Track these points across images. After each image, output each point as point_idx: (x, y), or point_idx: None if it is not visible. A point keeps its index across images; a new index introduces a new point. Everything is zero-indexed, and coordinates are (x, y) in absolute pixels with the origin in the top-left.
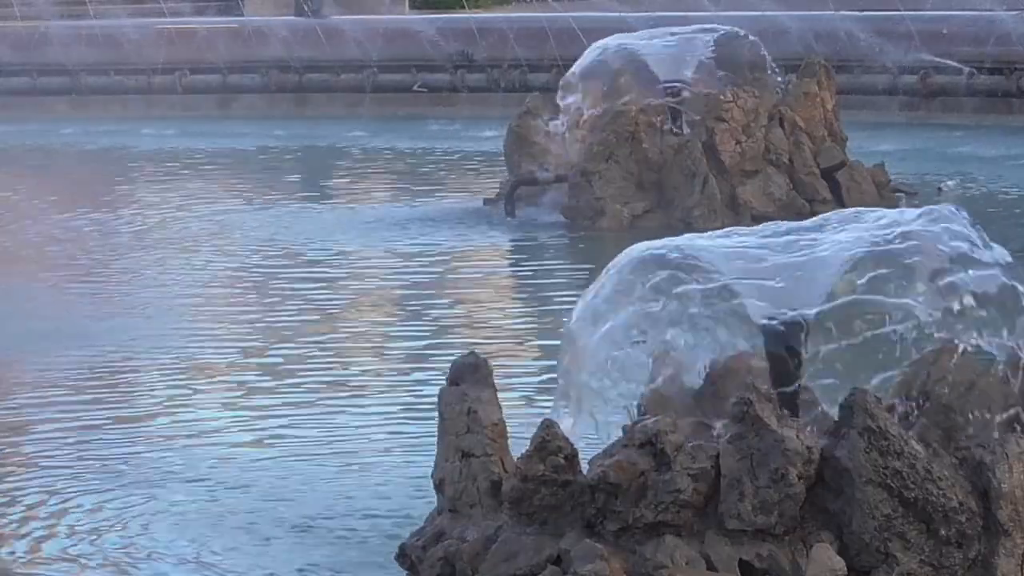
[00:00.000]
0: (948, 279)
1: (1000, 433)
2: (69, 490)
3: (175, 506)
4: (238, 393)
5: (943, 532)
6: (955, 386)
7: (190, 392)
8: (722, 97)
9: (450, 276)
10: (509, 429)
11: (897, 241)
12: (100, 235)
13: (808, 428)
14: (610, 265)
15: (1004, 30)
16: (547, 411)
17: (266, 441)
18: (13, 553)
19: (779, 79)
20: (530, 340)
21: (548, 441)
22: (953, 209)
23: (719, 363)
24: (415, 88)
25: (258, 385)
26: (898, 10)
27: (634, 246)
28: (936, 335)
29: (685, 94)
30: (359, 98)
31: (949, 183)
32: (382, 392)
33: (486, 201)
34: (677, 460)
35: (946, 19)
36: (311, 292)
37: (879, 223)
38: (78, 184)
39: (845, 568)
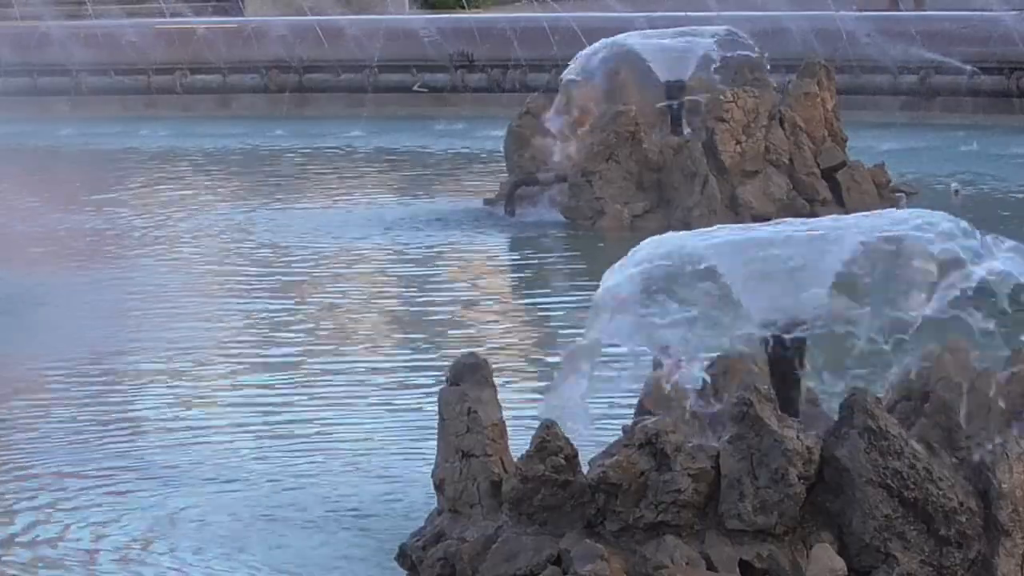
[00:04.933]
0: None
1: (1000, 433)
2: (70, 489)
3: (174, 506)
4: (237, 392)
5: (943, 532)
6: (955, 386)
7: (189, 391)
8: (722, 97)
9: (450, 276)
10: (509, 429)
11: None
12: (100, 235)
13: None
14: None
15: (1005, 30)
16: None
17: (265, 441)
18: (19, 553)
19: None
20: (530, 340)
21: (548, 441)
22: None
23: (719, 363)
24: (415, 88)
25: (257, 384)
26: (899, 10)
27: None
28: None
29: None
30: (359, 98)
31: (954, 184)
32: (382, 392)
33: (486, 201)
34: (677, 460)
35: (946, 19)
36: (311, 291)
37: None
38: (77, 184)
39: (845, 568)
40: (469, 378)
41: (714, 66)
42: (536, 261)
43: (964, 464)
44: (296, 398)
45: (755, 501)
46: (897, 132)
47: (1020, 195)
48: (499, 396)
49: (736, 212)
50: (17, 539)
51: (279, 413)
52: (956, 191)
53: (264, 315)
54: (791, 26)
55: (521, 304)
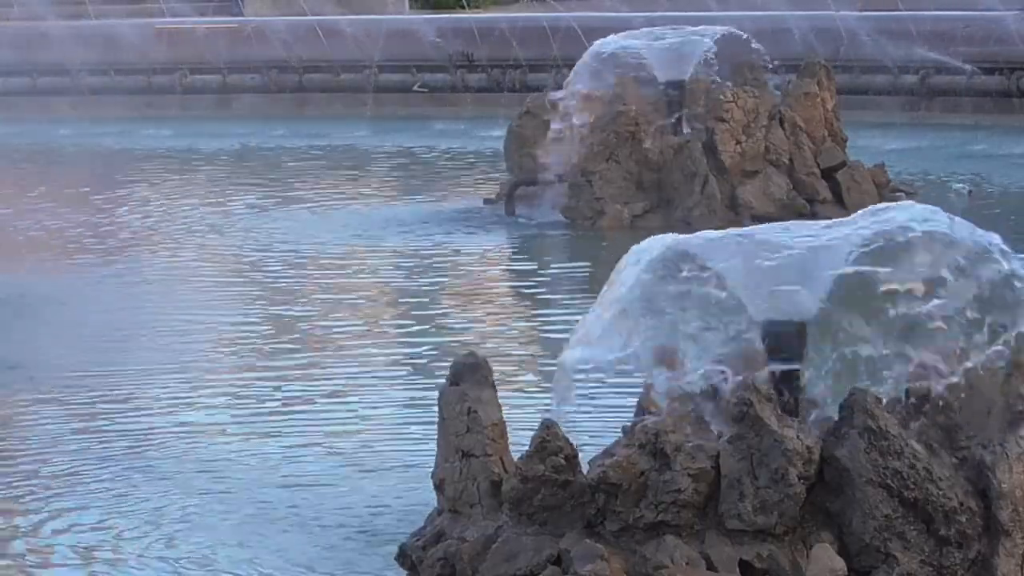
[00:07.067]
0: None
1: (1000, 433)
2: (74, 488)
3: (174, 506)
4: (238, 393)
5: (943, 532)
6: (955, 387)
7: (189, 392)
8: (722, 97)
9: (450, 276)
10: (508, 429)
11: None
12: (99, 235)
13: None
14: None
15: (1005, 30)
16: (547, 411)
17: (266, 441)
18: (24, 551)
19: (775, 79)
20: (530, 340)
21: (548, 441)
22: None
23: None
24: (415, 88)
25: (258, 385)
26: (899, 10)
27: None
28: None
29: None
30: (359, 98)
31: (959, 185)
32: (382, 392)
33: (486, 201)
34: (677, 460)
35: (947, 19)
36: (311, 292)
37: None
38: (77, 184)
39: (845, 568)
40: (469, 378)
41: (715, 68)
42: (536, 261)
43: (964, 464)
44: (295, 398)
45: (755, 501)
46: (897, 132)
47: (1021, 195)
48: (499, 396)
49: (736, 212)
50: (15, 536)
51: (278, 413)
52: (969, 191)
53: (263, 314)
54: (791, 26)
55: (521, 304)
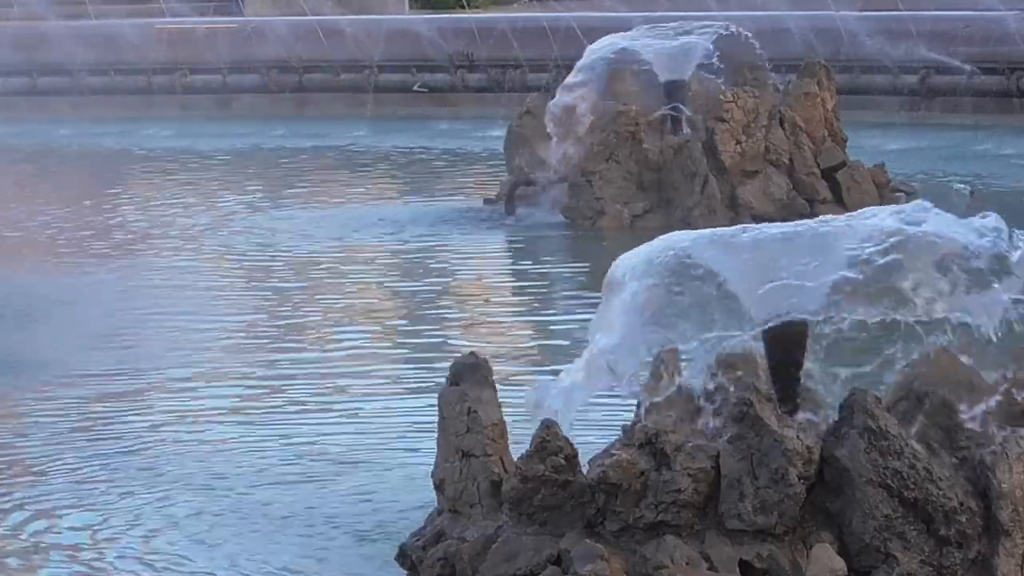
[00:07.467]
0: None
1: (1000, 433)
2: (70, 487)
3: (174, 507)
4: (238, 393)
5: (943, 532)
6: (955, 386)
7: (190, 393)
8: (722, 97)
9: (450, 276)
10: (508, 429)
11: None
12: (100, 235)
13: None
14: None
15: (1005, 30)
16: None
17: (266, 442)
18: (12, 549)
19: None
20: (530, 340)
21: (548, 441)
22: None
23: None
24: (415, 88)
25: (258, 385)
26: (899, 10)
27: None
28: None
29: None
30: (359, 98)
31: (959, 186)
32: (382, 392)
33: (486, 201)
34: (677, 460)
35: (947, 19)
36: (311, 292)
37: None
38: (77, 184)
39: (845, 568)
40: (469, 378)
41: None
42: (536, 261)
43: (964, 464)
44: (295, 398)
45: (755, 501)
46: (897, 132)
47: (1021, 195)
48: (499, 396)
49: (736, 212)
50: (16, 537)
51: (278, 414)
52: (971, 191)
53: (263, 315)
54: (791, 26)
55: (521, 304)
